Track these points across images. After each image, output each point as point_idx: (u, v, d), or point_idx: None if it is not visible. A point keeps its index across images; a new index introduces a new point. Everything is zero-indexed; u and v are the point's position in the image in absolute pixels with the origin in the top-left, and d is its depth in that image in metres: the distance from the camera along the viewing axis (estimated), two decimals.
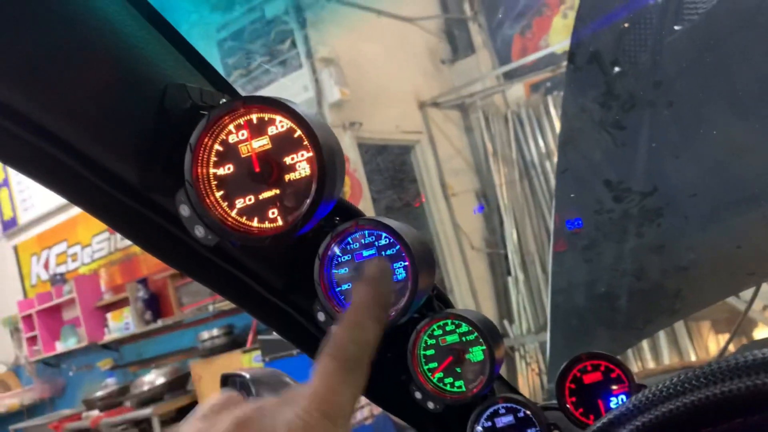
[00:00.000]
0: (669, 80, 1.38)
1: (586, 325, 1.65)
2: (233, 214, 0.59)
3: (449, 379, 0.87)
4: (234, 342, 5.05)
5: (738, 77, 1.30)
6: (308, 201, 0.57)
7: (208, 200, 0.59)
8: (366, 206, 4.79)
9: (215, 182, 0.59)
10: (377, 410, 3.90)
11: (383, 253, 0.72)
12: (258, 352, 4.32)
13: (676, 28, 1.44)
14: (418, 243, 0.73)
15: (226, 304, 5.02)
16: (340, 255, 0.73)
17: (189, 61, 0.64)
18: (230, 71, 5.00)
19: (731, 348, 2.07)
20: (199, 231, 0.59)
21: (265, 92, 4.81)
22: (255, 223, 0.59)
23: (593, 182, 1.50)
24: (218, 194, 0.59)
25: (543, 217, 4.96)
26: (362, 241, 0.73)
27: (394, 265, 0.71)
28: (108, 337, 6.18)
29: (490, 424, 0.91)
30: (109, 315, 6.17)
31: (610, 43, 1.44)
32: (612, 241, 1.47)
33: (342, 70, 4.75)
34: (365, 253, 0.72)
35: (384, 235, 0.72)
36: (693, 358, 3.76)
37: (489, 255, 5.33)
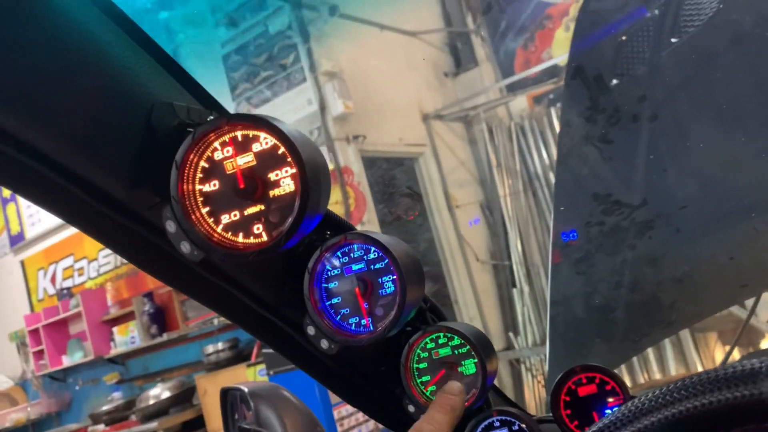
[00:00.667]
0: (658, 94, 1.39)
1: (584, 337, 1.65)
2: (219, 229, 0.60)
3: None
4: (239, 355, 5.05)
5: (728, 90, 1.30)
6: (292, 216, 0.57)
7: (193, 216, 0.59)
8: (370, 218, 4.79)
9: (201, 198, 0.60)
10: None
11: (372, 267, 0.72)
12: (263, 366, 4.32)
13: (672, 40, 1.45)
14: (406, 257, 0.73)
15: None
16: (330, 269, 0.74)
17: (177, 80, 0.65)
18: (235, 85, 5.04)
19: (735, 358, 2.06)
20: (185, 247, 0.60)
21: (270, 106, 4.85)
22: (240, 239, 0.59)
23: (585, 195, 1.50)
24: (204, 210, 0.60)
25: (547, 228, 4.95)
26: (352, 255, 0.73)
27: (383, 278, 0.71)
28: (114, 351, 6.19)
29: None
30: (115, 329, 6.18)
31: (604, 59, 1.45)
32: (604, 254, 1.47)
33: (346, 83, 4.78)
34: (355, 267, 0.73)
35: (373, 249, 0.72)
36: (699, 368, 3.72)
37: (494, 267, 5.32)
